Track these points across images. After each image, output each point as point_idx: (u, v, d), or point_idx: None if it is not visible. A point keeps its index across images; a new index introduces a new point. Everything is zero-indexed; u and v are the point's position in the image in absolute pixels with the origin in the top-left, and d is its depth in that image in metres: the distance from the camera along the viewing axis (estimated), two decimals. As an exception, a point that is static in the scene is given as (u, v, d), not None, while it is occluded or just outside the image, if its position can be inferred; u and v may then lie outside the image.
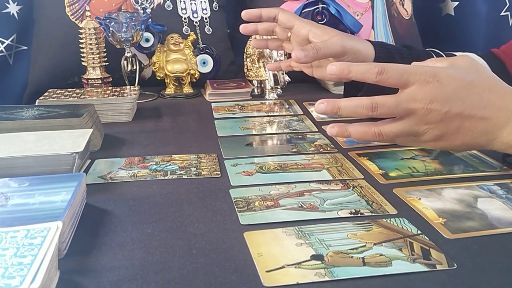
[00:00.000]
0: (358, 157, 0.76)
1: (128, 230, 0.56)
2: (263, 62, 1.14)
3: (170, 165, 0.74)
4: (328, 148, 0.81)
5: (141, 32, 1.09)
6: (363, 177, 0.69)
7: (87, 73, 1.12)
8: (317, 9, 1.18)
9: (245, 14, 0.85)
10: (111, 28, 1.06)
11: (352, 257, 0.49)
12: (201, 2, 1.28)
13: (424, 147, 0.64)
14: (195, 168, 0.72)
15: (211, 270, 0.48)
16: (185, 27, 1.26)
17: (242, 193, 0.64)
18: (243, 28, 0.88)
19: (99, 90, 1.05)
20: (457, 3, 1.47)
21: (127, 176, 0.70)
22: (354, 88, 0.81)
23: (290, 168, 0.73)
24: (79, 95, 1.00)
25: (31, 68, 1.22)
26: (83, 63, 1.11)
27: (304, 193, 0.64)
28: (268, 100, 1.12)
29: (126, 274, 0.47)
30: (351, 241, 0.52)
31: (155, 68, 1.16)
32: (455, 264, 0.48)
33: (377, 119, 0.61)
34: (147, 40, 1.20)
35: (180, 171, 0.72)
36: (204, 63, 1.23)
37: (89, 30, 1.09)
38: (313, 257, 0.49)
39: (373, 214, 0.59)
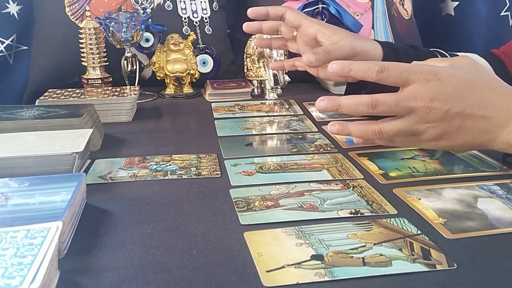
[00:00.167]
0: (358, 157, 0.76)
1: (128, 230, 0.56)
2: (263, 62, 1.14)
3: (170, 165, 0.74)
4: (328, 148, 0.81)
5: (141, 32, 1.09)
6: (363, 177, 0.69)
7: (87, 73, 1.12)
8: (317, 9, 1.18)
9: (251, 12, 0.84)
10: (111, 28, 1.06)
11: (352, 257, 0.49)
12: (201, 2, 1.28)
13: (424, 147, 0.64)
14: (195, 168, 0.72)
15: (211, 270, 0.48)
16: (185, 27, 1.26)
17: (242, 193, 0.64)
18: (246, 27, 0.86)
19: (99, 90, 1.05)
20: (457, 3, 1.47)
21: (127, 176, 0.70)
22: (356, 88, 0.81)
23: (290, 168, 0.73)
24: (79, 95, 1.00)
25: (31, 68, 1.22)
26: (83, 63, 1.11)
27: (304, 193, 0.64)
28: (268, 100, 1.12)
29: (126, 274, 0.48)
30: (351, 241, 0.52)
31: (155, 68, 1.16)
32: (455, 264, 0.48)
33: (378, 119, 0.61)
34: (147, 40, 1.20)
35: (180, 171, 0.72)
36: (204, 63, 1.23)
37: (89, 30, 1.09)
38: (313, 257, 0.49)
39: (373, 214, 0.59)
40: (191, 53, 1.17)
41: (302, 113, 1.01)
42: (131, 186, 0.67)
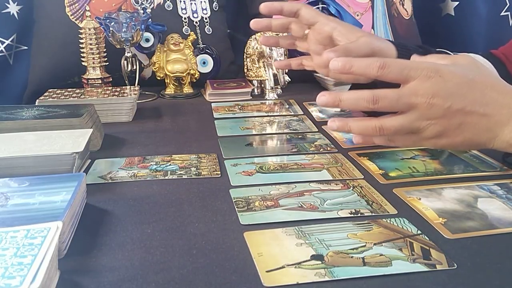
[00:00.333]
0: (358, 157, 0.76)
1: (128, 230, 0.56)
2: (263, 62, 1.14)
3: (170, 165, 0.74)
4: (328, 148, 0.81)
5: (141, 32, 1.09)
6: (363, 177, 0.69)
7: (87, 73, 1.12)
8: (317, 9, 1.18)
9: (264, 7, 0.79)
10: (111, 28, 1.06)
11: (352, 257, 0.49)
12: (201, 2, 1.28)
13: (425, 145, 0.63)
14: (195, 168, 0.72)
15: (211, 270, 0.48)
16: (185, 27, 1.26)
17: (242, 193, 0.64)
18: (254, 23, 0.81)
19: (99, 90, 1.05)
20: (457, 3, 1.47)
21: (127, 176, 0.70)
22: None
23: (290, 168, 0.73)
24: (79, 95, 1.00)
25: (31, 68, 1.22)
26: (83, 63, 1.11)
27: (304, 193, 0.64)
28: (268, 100, 1.12)
29: (126, 274, 0.47)
30: (351, 241, 0.52)
31: (155, 68, 1.16)
32: (455, 264, 0.48)
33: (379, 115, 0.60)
34: (147, 40, 1.20)
35: (180, 171, 0.72)
36: (204, 63, 1.23)
37: (89, 30, 1.09)
38: (313, 257, 0.49)
39: (373, 214, 0.59)
40: (191, 53, 1.17)
41: (302, 113, 1.01)
42: (131, 186, 0.67)
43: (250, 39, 1.17)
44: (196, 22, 1.27)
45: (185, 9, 1.27)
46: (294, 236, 0.53)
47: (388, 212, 0.59)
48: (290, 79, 1.14)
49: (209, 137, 0.87)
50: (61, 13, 1.19)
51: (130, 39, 1.08)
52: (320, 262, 0.48)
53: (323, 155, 0.78)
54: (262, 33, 1.12)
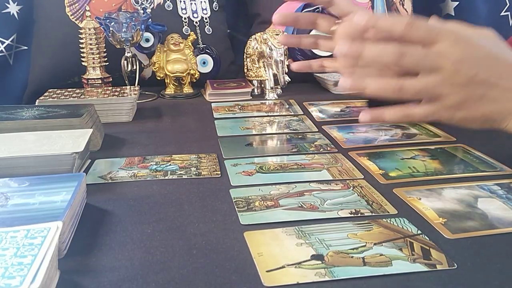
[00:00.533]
0: (358, 157, 0.76)
1: (128, 230, 0.56)
2: (263, 62, 1.14)
3: (170, 165, 0.74)
4: (328, 148, 0.81)
5: (141, 32, 1.09)
6: (363, 177, 0.69)
7: (87, 73, 1.12)
8: (318, 9, 1.18)
9: None
10: (111, 28, 1.06)
11: (352, 257, 0.49)
12: (201, 2, 1.28)
13: (441, 117, 0.59)
14: (195, 168, 0.72)
15: (211, 270, 0.48)
16: (185, 27, 1.26)
17: (242, 193, 0.64)
18: (280, 17, 0.74)
19: (99, 90, 1.05)
20: (457, 3, 1.47)
21: (127, 176, 0.70)
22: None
23: (290, 168, 0.72)
24: (79, 95, 1.00)
25: (31, 68, 1.23)
26: (83, 63, 1.11)
27: (304, 193, 0.64)
28: (268, 100, 1.12)
29: (126, 274, 0.47)
30: (351, 241, 0.52)
31: (155, 68, 1.16)
32: (455, 264, 0.48)
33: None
34: (147, 40, 1.20)
35: (180, 171, 0.72)
36: (204, 63, 1.23)
37: (89, 30, 1.09)
38: (313, 257, 0.49)
39: (373, 214, 0.59)
40: (191, 53, 1.17)
41: (302, 113, 1.01)
42: (131, 186, 0.67)
43: (250, 39, 1.17)
44: (196, 22, 1.27)
45: (185, 9, 1.27)
46: (294, 236, 0.53)
47: (388, 212, 0.59)
48: (290, 79, 1.14)
49: (209, 137, 0.87)
50: (61, 13, 1.19)
51: (130, 39, 1.08)
52: (320, 262, 0.48)
53: (323, 155, 0.78)
54: (261, 32, 1.12)
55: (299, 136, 0.87)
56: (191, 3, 1.27)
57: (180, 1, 1.26)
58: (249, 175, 0.70)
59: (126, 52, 1.10)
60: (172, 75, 1.15)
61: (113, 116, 0.97)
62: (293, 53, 1.25)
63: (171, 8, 1.25)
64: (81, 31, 1.10)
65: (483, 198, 0.62)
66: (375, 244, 0.52)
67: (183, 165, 0.74)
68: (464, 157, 0.75)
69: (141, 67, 1.19)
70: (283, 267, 0.48)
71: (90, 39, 1.09)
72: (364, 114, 0.61)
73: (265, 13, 1.33)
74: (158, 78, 1.17)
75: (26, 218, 0.51)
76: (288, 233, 0.54)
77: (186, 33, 1.24)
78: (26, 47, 1.26)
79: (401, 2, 1.35)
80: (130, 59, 1.11)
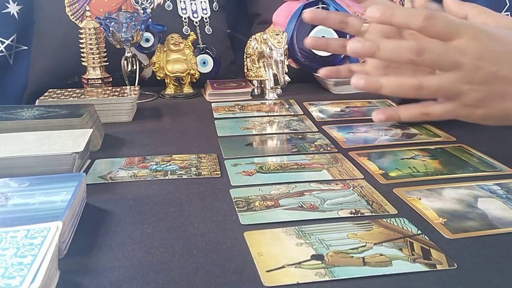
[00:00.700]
0: (358, 157, 0.76)
1: (128, 230, 0.56)
2: (263, 62, 1.13)
3: (170, 165, 0.74)
4: (328, 148, 0.81)
5: (141, 32, 1.09)
6: (363, 177, 0.69)
7: (87, 73, 1.12)
8: (318, 6, 1.18)
9: None
10: (111, 28, 1.06)
11: (352, 257, 0.49)
12: (201, 2, 1.28)
13: (459, 115, 0.57)
14: (195, 168, 0.72)
15: (211, 270, 0.48)
16: (185, 27, 1.26)
17: (242, 193, 0.64)
18: (311, 14, 0.70)
19: (99, 90, 1.05)
20: (457, 3, 1.47)
21: (127, 176, 0.70)
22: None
23: (290, 168, 0.73)
24: (79, 95, 1.00)
25: (31, 68, 1.22)
26: (83, 63, 1.11)
27: (304, 193, 0.64)
28: (268, 100, 1.12)
29: (126, 274, 0.47)
30: (351, 241, 0.52)
31: (155, 68, 1.16)
32: (455, 264, 0.48)
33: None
34: (147, 40, 1.20)
35: (180, 171, 0.72)
36: (204, 63, 1.23)
37: (89, 30, 1.09)
38: (313, 257, 0.49)
39: (373, 214, 0.59)
40: (191, 53, 1.17)
41: (302, 113, 1.01)
42: (131, 186, 0.67)
43: (250, 39, 1.17)
44: (196, 22, 1.27)
45: (185, 9, 1.27)
46: (294, 236, 0.53)
47: (388, 212, 0.59)
48: (290, 79, 1.14)
49: (209, 137, 0.87)
50: (61, 13, 1.19)
51: (130, 39, 1.08)
52: (320, 262, 0.48)
53: (323, 155, 0.78)
54: (261, 32, 1.12)
55: (299, 136, 0.87)
56: (191, 3, 1.27)
57: (180, 1, 1.26)
58: (249, 175, 0.70)
59: (126, 52, 1.10)
60: (172, 75, 1.15)
61: (113, 116, 0.97)
62: (293, 53, 1.25)
63: (171, 8, 1.25)
64: (81, 31, 1.10)
65: (483, 198, 0.62)
66: (375, 244, 0.52)
67: (183, 165, 0.74)
68: (464, 157, 0.75)
69: (141, 67, 1.19)
70: (283, 267, 0.48)
71: (90, 39, 1.09)
72: (378, 113, 0.59)
73: (265, 13, 1.33)
74: (158, 78, 1.17)
75: (26, 218, 0.51)
76: (288, 233, 0.54)
77: (186, 33, 1.24)
78: (26, 47, 1.26)
79: (401, 2, 1.35)
80: (130, 59, 1.11)
